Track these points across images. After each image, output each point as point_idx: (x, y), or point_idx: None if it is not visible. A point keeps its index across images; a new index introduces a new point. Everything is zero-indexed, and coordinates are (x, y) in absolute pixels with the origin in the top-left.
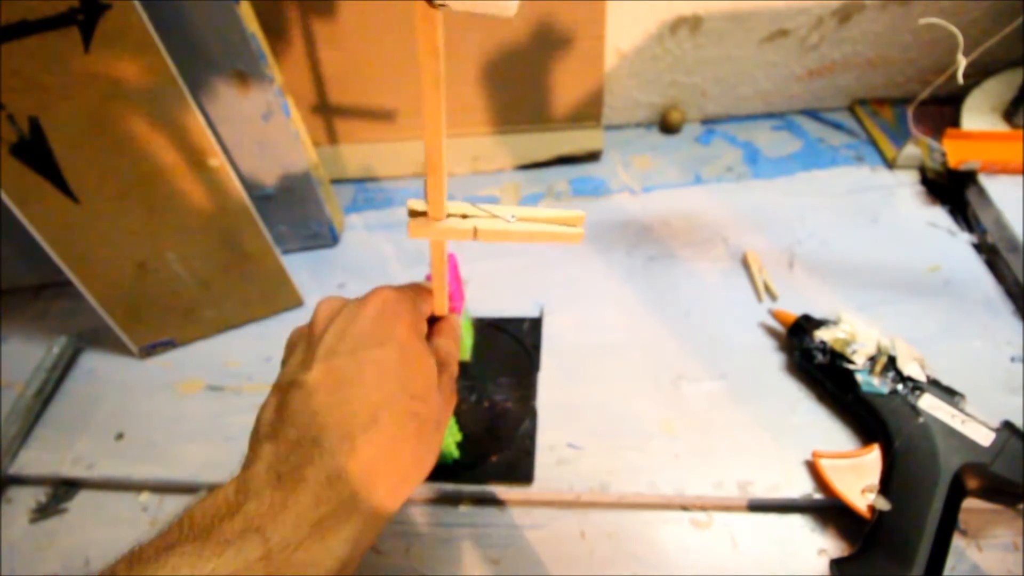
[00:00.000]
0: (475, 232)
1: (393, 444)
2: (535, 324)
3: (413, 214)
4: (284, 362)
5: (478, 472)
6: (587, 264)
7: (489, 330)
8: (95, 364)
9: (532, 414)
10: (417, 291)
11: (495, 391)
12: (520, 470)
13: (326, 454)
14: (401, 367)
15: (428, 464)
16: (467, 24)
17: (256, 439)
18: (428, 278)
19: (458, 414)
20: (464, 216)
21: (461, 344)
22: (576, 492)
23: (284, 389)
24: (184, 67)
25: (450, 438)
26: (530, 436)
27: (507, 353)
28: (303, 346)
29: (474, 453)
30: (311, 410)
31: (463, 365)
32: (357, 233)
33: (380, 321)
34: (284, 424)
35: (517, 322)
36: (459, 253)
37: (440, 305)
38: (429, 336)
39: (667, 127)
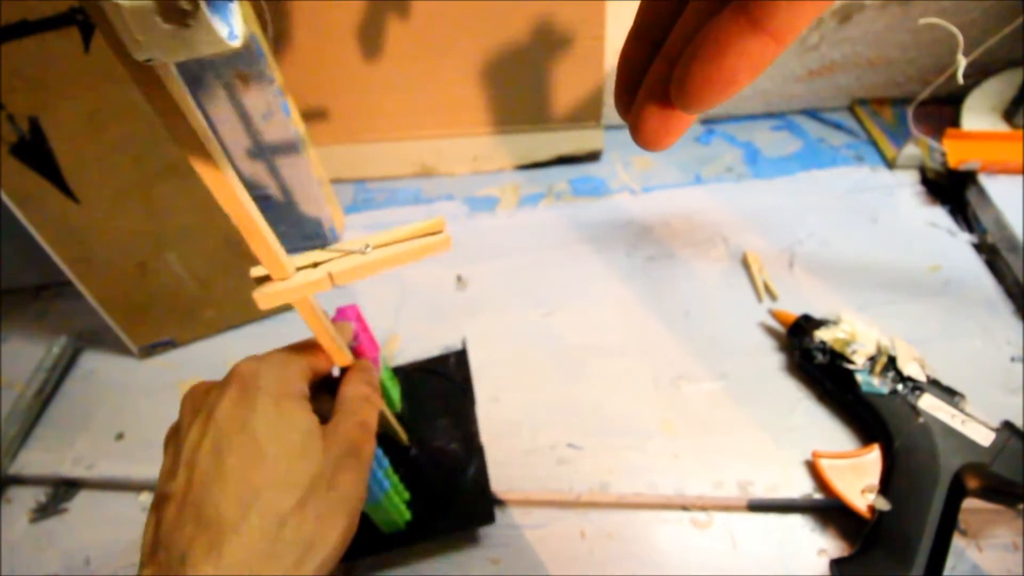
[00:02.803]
0: (331, 278)
1: (270, 535)
2: (460, 357)
3: (258, 280)
4: (161, 466)
5: (436, 527)
6: (587, 264)
7: (415, 375)
8: (95, 364)
9: (479, 451)
10: (293, 352)
11: (435, 437)
12: (479, 512)
13: (194, 570)
14: (270, 444)
15: (336, 529)
16: (467, 24)
17: (140, 565)
18: (339, 312)
19: (401, 470)
20: (315, 264)
21: (387, 395)
22: (576, 492)
23: (157, 505)
24: (184, 67)
25: (398, 499)
26: (481, 474)
27: (440, 394)
28: (172, 449)
29: (427, 508)
30: (179, 524)
31: (397, 418)
32: (357, 233)
33: (240, 402)
34: (159, 545)
35: (442, 360)
36: (457, 253)
37: (340, 357)
38: (337, 389)
39: None
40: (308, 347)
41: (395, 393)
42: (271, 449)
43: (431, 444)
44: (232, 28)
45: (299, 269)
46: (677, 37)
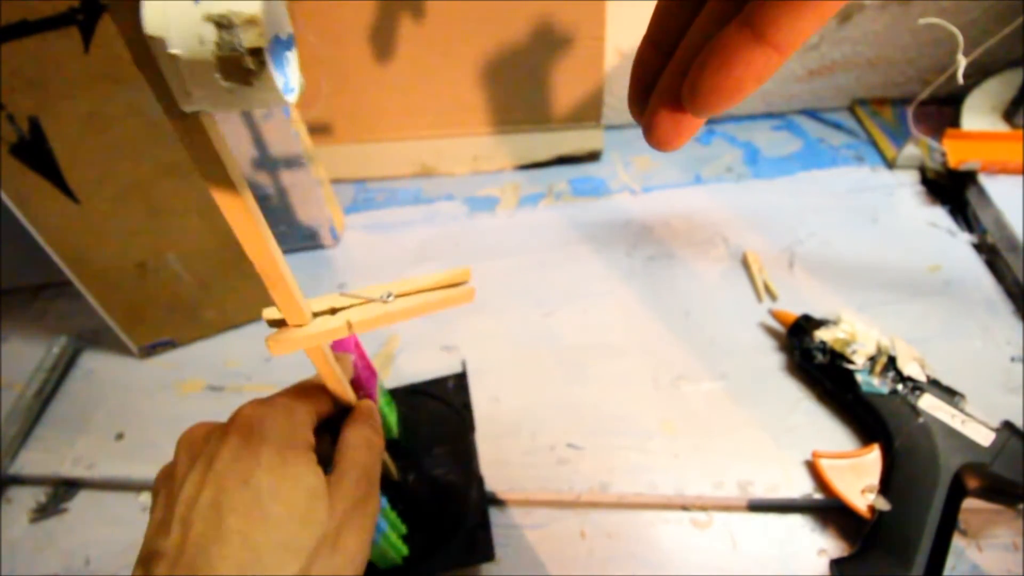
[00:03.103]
0: (350, 327)
1: None
2: (460, 381)
3: (273, 324)
4: (151, 511)
5: (434, 563)
6: (587, 264)
7: (412, 398)
8: (95, 364)
9: (478, 481)
10: (299, 397)
11: (433, 465)
12: (478, 547)
13: None
14: (274, 503)
15: None
16: (467, 24)
17: None
18: (333, 349)
19: (397, 502)
20: (333, 310)
21: (385, 422)
22: (576, 492)
23: (145, 561)
24: None
25: (395, 536)
26: (481, 507)
27: (437, 419)
28: (164, 495)
29: (424, 542)
30: None
31: (393, 443)
32: (357, 233)
33: (243, 454)
34: None
35: (440, 383)
36: (457, 253)
37: (345, 399)
38: (339, 432)
39: None
40: (313, 390)
41: (392, 418)
42: (275, 509)
43: (429, 473)
44: (288, 80)
45: (316, 315)
46: (688, 45)
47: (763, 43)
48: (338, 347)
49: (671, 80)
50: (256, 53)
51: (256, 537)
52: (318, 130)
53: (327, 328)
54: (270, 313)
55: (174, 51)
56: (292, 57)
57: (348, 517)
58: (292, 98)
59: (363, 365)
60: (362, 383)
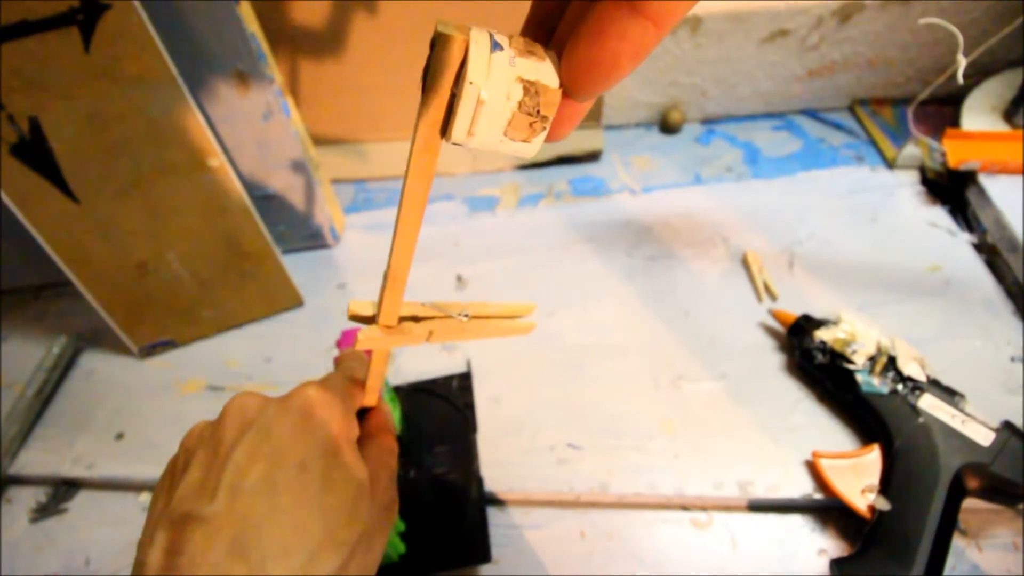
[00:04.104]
0: (430, 335)
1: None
2: (464, 380)
3: (358, 319)
4: (180, 468)
5: (430, 562)
6: (587, 264)
7: (416, 395)
8: (95, 364)
9: (478, 482)
10: (353, 388)
11: (433, 463)
12: (476, 549)
13: None
14: (329, 494)
15: None
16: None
17: None
18: (345, 335)
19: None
20: (416, 319)
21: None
22: (576, 492)
23: (178, 524)
24: (184, 67)
25: (392, 531)
26: (480, 507)
27: (440, 417)
28: (204, 457)
29: (422, 540)
30: (208, 550)
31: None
32: (357, 233)
33: (303, 434)
34: (176, 568)
35: (444, 381)
36: (457, 253)
37: (372, 398)
38: (360, 434)
39: (667, 127)
40: (352, 385)
41: (395, 415)
42: (328, 499)
43: (429, 471)
44: (535, 145)
45: (401, 320)
46: (566, 25)
47: (639, 15)
48: (346, 337)
49: None
50: (545, 120)
51: (308, 523)
52: (318, 130)
53: (412, 334)
54: (359, 307)
55: (483, 96)
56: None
57: (380, 519)
58: (530, 156)
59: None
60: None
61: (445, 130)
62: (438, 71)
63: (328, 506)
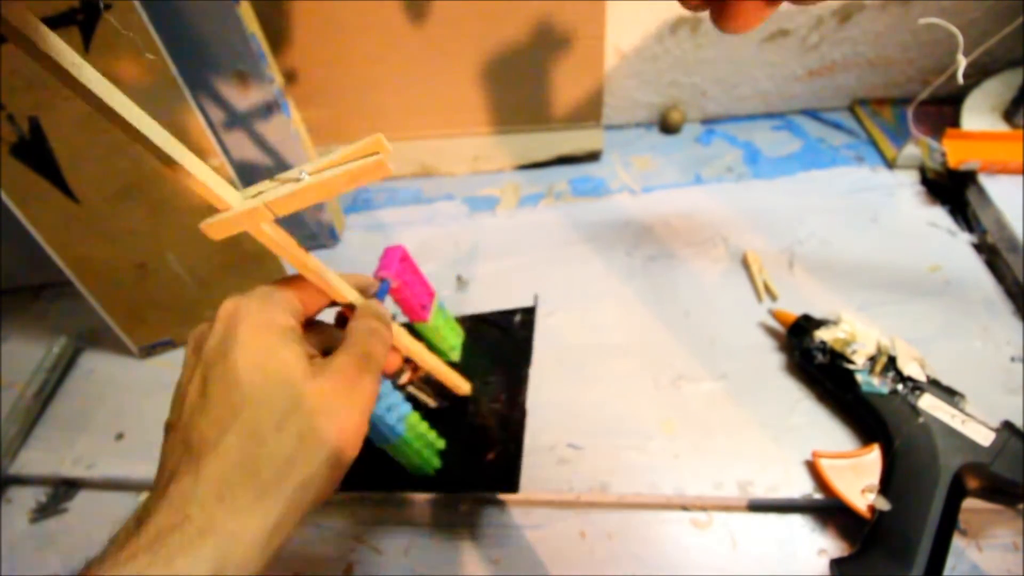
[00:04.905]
0: (268, 208)
1: (247, 451)
2: (527, 314)
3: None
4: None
5: (460, 482)
6: (587, 264)
7: (478, 325)
8: (95, 364)
9: (521, 413)
10: (277, 287)
11: (483, 391)
12: (505, 478)
13: (177, 484)
14: (249, 371)
15: (322, 451)
16: (467, 24)
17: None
18: (386, 252)
19: (440, 420)
20: (256, 195)
21: (443, 344)
22: (576, 492)
23: (164, 438)
24: (184, 67)
25: (421, 445)
26: (516, 440)
27: (497, 349)
28: (175, 395)
29: (457, 461)
30: (172, 450)
31: (452, 366)
32: (357, 233)
33: (224, 336)
34: (159, 470)
35: (508, 315)
36: (457, 253)
37: (335, 292)
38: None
39: (667, 127)
40: (294, 281)
41: (455, 341)
42: (249, 376)
43: (479, 398)
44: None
45: (246, 200)
46: None
47: None
48: (387, 256)
49: None
50: None
51: (233, 399)
52: (318, 130)
53: (246, 209)
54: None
55: None
56: None
57: (336, 392)
58: None
59: (416, 280)
60: (416, 299)
61: None
62: None
63: (249, 381)
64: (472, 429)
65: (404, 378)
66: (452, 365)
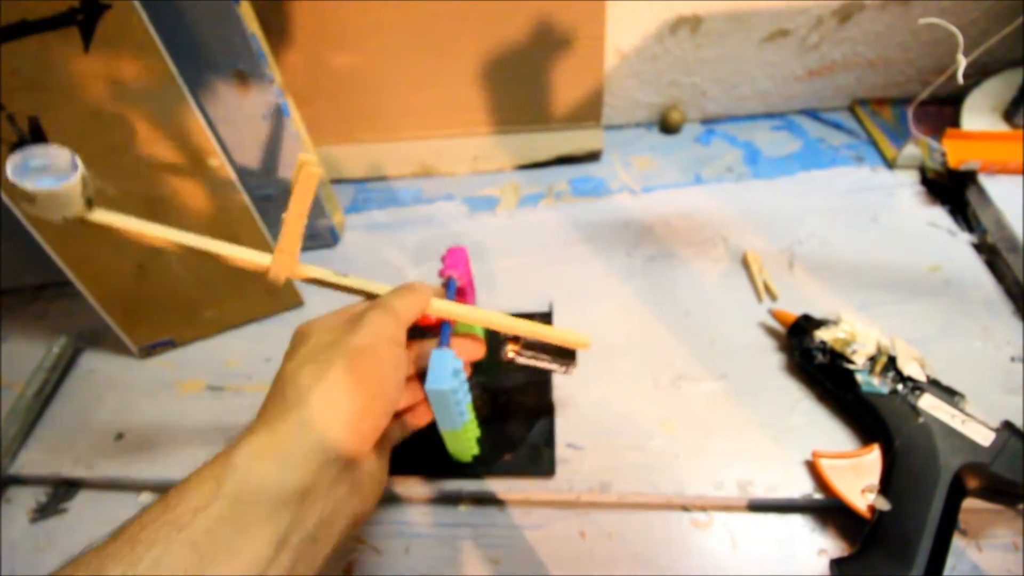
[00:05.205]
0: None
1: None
2: (545, 319)
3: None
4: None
5: (497, 466)
6: (587, 264)
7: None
8: (95, 364)
9: (549, 408)
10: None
11: (511, 387)
12: (541, 463)
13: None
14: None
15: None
16: (467, 24)
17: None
18: (449, 252)
19: (476, 412)
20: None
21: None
22: (576, 492)
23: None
24: (184, 67)
25: (471, 435)
26: (548, 429)
27: None
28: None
29: (492, 449)
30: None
31: (478, 363)
32: (357, 233)
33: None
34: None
35: (527, 318)
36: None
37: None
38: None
39: (667, 127)
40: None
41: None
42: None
43: (507, 393)
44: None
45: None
46: None
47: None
48: (450, 257)
49: None
50: None
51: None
52: (318, 130)
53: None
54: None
55: None
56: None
57: (370, 344)
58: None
59: (470, 284)
60: (467, 297)
61: None
62: None
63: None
64: (504, 420)
65: (508, 354)
66: (480, 362)
